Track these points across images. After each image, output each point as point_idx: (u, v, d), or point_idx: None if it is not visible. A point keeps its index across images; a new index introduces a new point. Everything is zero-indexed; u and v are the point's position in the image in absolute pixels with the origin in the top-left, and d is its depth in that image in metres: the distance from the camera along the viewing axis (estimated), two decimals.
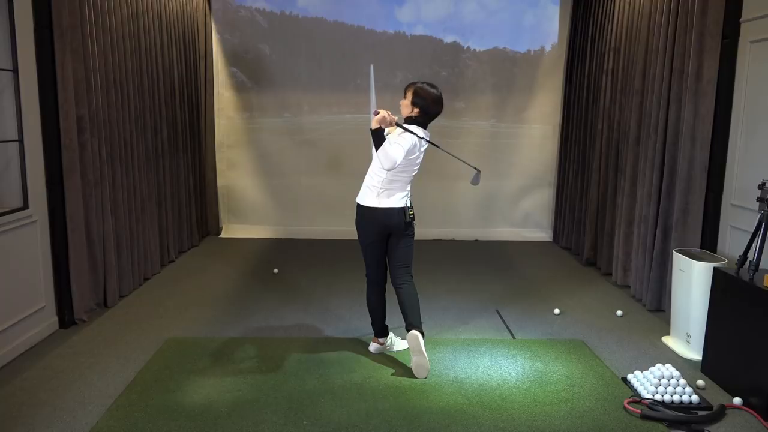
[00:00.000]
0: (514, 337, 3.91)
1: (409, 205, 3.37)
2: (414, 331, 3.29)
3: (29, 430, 2.71)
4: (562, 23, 6.61)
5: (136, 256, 4.77)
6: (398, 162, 3.12)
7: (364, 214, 3.37)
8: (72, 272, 3.88)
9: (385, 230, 3.38)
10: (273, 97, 6.76)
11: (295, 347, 3.64)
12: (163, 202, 5.40)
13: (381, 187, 3.32)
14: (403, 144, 3.14)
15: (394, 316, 3.70)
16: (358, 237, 3.46)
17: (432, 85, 3.32)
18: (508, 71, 6.81)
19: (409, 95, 3.30)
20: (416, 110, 3.29)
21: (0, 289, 3.34)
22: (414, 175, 3.39)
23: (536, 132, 6.89)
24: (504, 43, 6.74)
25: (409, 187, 3.39)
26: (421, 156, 3.35)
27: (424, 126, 3.33)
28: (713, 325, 3.36)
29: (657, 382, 3.09)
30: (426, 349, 3.29)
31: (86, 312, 4.03)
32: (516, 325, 4.12)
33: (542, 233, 6.96)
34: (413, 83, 3.33)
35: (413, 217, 3.38)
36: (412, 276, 3.46)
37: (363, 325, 4.00)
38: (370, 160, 3.40)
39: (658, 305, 4.41)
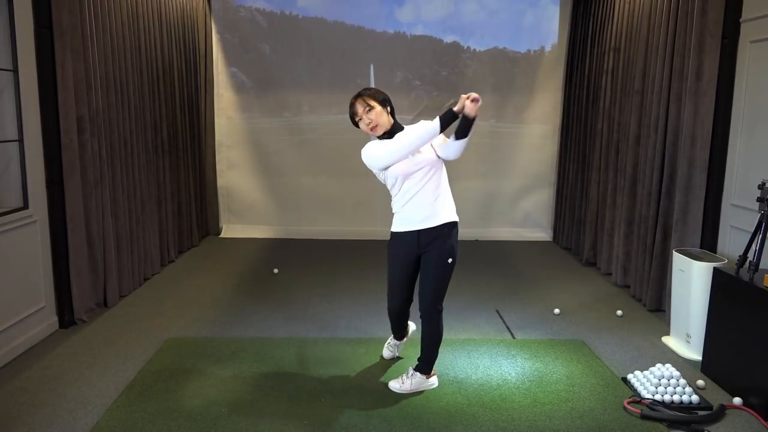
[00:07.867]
0: (514, 337, 3.91)
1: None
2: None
3: (29, 430, 2.71)
4: (562, 23, 6.61)
5: (136, 256, 4.77)
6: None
7: None
8: (72, 272, 3.88)
9: None
10: (273, 97, 6.76)
11: (295, 347, 3.64)
12: (163, 202, 5.40)
13: None
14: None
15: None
16: None
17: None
18: (508, 71, 6.80)
19: (374, 102, 2.87)
20: (389, 108, 2.94)
21: (0, 289, 3.34)
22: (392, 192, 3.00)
23: (536, 132, 6.89)
24: (504, 43, 6.74)
25: (394, 210, 3.02)
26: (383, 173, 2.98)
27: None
28: (713, 325, 3.36)
29: (657, 382, 3.09)
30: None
31: (86, 312, 4.03)
32: (516, 325, 4.12)
33: (542, 233, 6.96)
34: (359, 96, 2.90)
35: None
36: (433, 313, 3.07)
37: (363, 325, 4.01)
38: None
39: (658, 305, 4.41)
